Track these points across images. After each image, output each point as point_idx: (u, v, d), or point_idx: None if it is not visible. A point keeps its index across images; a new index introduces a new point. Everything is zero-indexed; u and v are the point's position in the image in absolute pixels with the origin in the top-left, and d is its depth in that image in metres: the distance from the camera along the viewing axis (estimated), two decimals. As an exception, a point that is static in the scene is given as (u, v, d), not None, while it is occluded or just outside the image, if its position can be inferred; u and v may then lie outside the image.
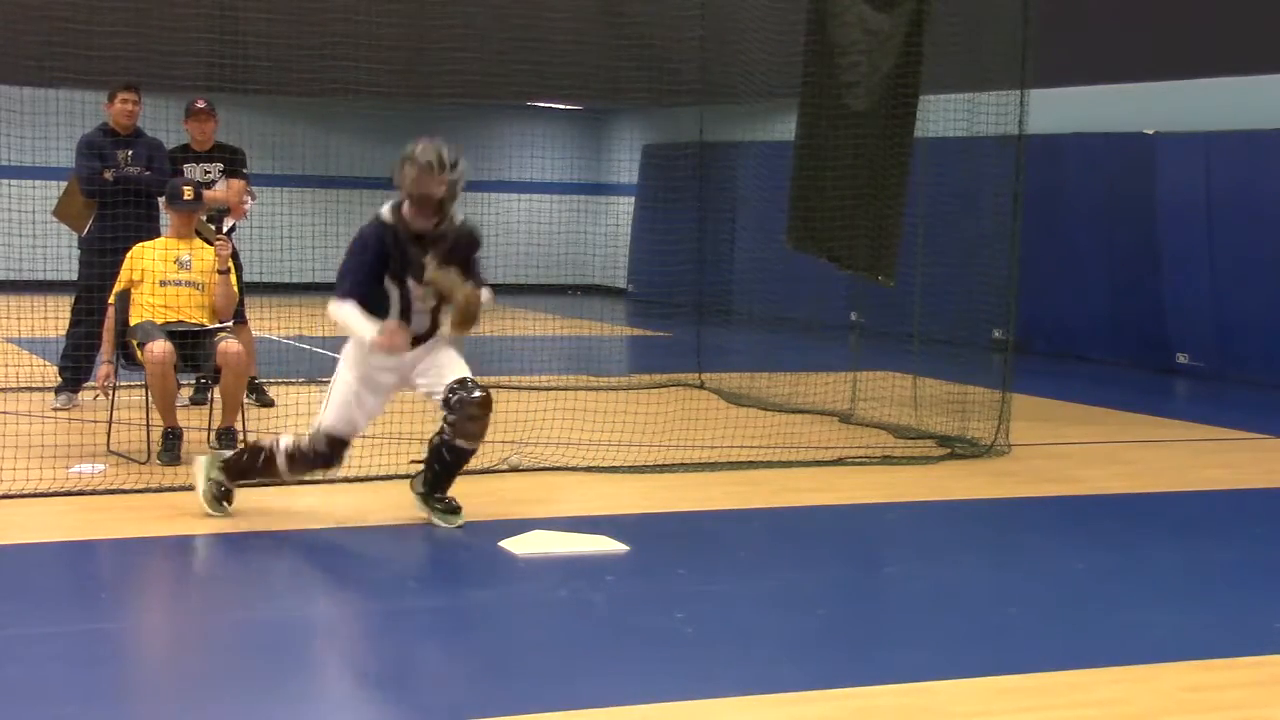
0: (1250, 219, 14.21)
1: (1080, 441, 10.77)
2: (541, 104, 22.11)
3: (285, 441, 7.41)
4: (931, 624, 6.26)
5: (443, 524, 7.44)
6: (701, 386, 12.48)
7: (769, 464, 9.36)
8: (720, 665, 5.57)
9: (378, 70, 14.73)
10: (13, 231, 11.44)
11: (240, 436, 8.88)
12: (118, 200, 10.03)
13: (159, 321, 8.83)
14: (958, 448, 9.98)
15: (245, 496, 8.08)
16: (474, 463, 8.29)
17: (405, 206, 7.11)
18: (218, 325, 9.00)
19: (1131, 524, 8.38)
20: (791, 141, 11.46)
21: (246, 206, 10.72)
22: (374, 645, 5.81)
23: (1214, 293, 14.53)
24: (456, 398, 7.24)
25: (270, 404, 10.79)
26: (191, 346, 8.79)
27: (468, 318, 7.12)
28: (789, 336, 14.33)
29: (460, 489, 8.16)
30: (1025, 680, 5.50)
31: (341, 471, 8.49)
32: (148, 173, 10.19)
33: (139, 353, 8.67)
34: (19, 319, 11.21)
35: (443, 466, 7.43)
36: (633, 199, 22.80)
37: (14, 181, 11.38)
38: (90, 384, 10.19)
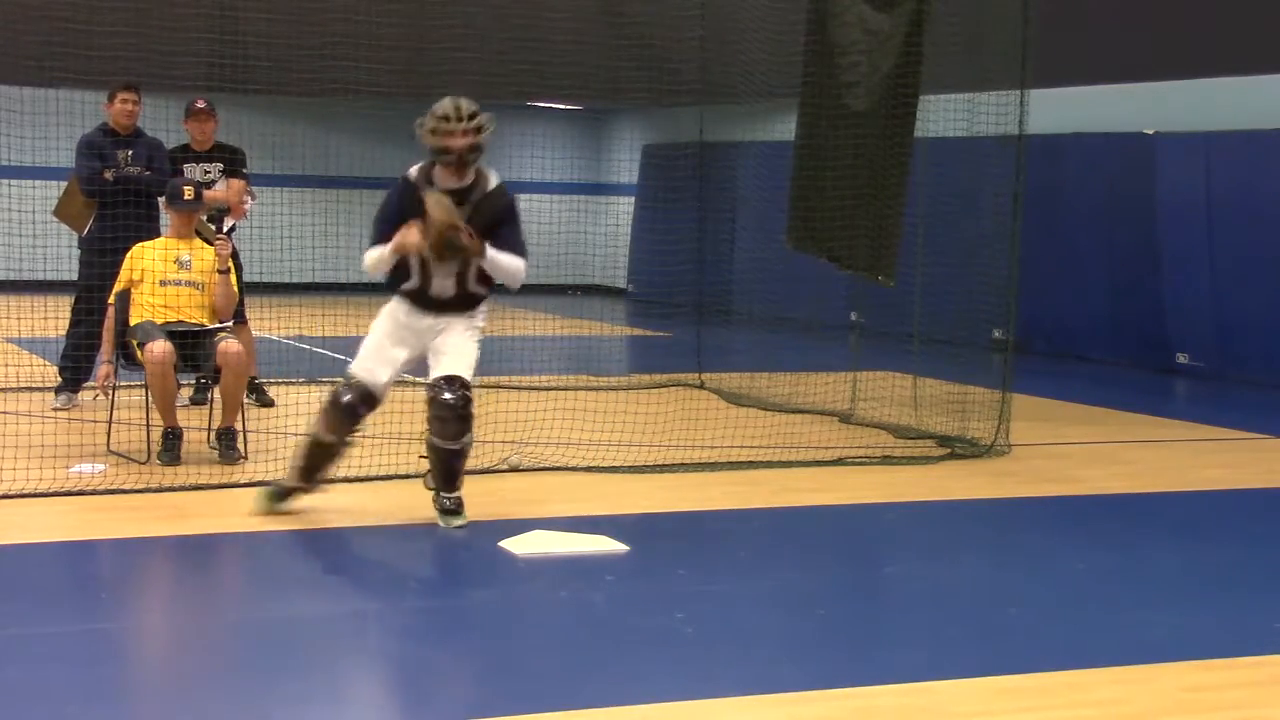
0: (1250, 219, 14.21)
1: (1080, 441, 10.77)
2: (541, 104, 22.11)
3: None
4: (931, 624, 6.26)
5: (441, 524, 7.44)
6: (701, 386, 12.48)
7: (769, 464, 9.36)
8: (720, 665, 5.57)
9: (378, 70, 14.73)
10: (13, 231, 11.44)
11: (240, 436, 8.88)
12: (118, 200, 10.03)
13: (159, 321, 8.83)
14: (958, 448, 9.98)
15: (245, 497, 8.09)
16: (474, 463, 8.32)
17: (435, 167, 7.16)
18: (218, 325, 9.00)
19: (1131, 524, 8.38)
20: (791, 141, 11.46)
21: (247, 206, 10.72)
22: (374, 645, 5.81)
23: (1214, 293, 14.53)
24: (432, 395, 7.28)
25: (270, 404, 10.79)
26: (191, 346, 8.80)
27: (443, 243, 6.99)
28: (789, 336, 14.33)
29: (461, 489, 8.18)
30: (1025, 680, 5.50)
31: (341, 471, 8.52)
32: (148, 172, 10.19)
33: (139, 353, 8.67)
34: (19, 319, 11.22)
35: (431, 461, 7.45)
36: (633, 199, 22.80)
37: (14, 181, 11.39)
38: (90, 384, 10.19)
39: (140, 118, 10.51)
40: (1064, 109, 15.37)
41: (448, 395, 7.21)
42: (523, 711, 4.97)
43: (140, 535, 7.30)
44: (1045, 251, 15.16)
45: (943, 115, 11.16)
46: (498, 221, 7.21)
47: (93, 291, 9.86)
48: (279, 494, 7.62)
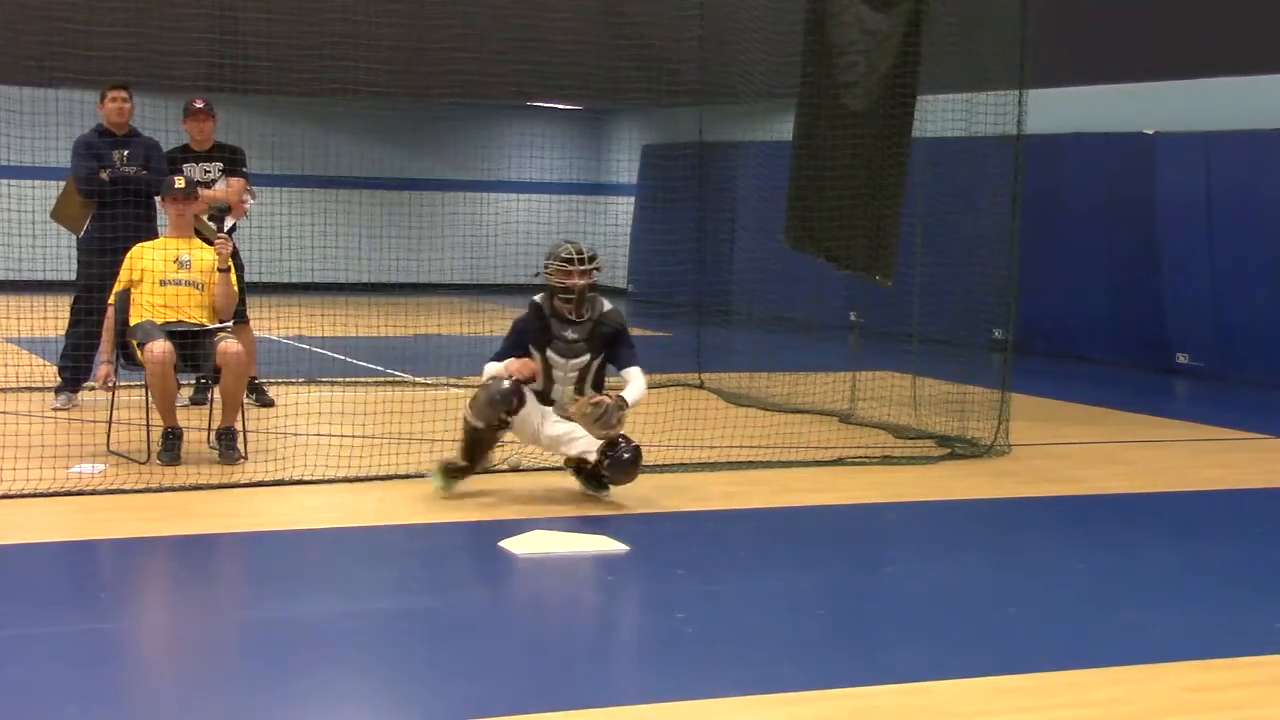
0: (1250, 219, 14.21)
1: (1080, 441, 10.77)
2: (541, 104, 22.12)
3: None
4: (931, 624, 6.26)
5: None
6: (701, 386, 12.48)
7: (769, 464, 9.36)
8: (720, 665, 5.57)
9: (377, 70, 14.74)
10: (12, 231, 11.44)
11: (240, 436, 8.88)
12: (115, 200, 10.02)
13: (159, 321, 8.82)
14: (957, 448, 9.98)
15: (245, 497, 8.10)
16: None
17: (554, 298, 8.07)
18: (218, 325, 8.99)
19: (1131, 524, 8.38)
20: (790, 141, 11.46)
21: (247, 205, 10.72)
22: (374, 645, 5.81)
23: (1214, 293, 14.53)
24: (610, 457, 7.99)
25: (270, 404, 10.79)
26: (191, 346, 8.79)
27: (595, 427, 7.86)
28: (788, 336, 14.32)
29: (461, 488, 8.19)
30: (1025, 680, 5.50)
31: (341, 471, 8.53)
32: (144, 172, 10.18)
33: (139, 353, 8.67)
34: (19, 319, 11.21)
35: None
36: (632, 199, 22.80)
37: (14, 181, 11.38)
38: (90, 384, 10.19)
39: (137, 117, 10.50)
40: (1063, 109, 15.36)
41: (626, 454, 7.94)
42: (522, 711, 4.97)
43: (140, 535, 7.30)
44: (1045, 251, 15.16)
45: (941, 115, 11.15)
46: (616, 342, 8.17)
47: (92, 291, 9.86)
48: (450, 472, 8.12)
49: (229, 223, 10.46)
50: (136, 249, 9.11)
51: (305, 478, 8.42)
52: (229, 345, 8.66)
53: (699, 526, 7.92)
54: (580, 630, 6.14)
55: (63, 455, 8.64)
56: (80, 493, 7.89)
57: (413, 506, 7.84)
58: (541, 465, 8.89)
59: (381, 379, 12.63)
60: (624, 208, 22.77)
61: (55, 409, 10.38)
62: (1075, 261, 15.76)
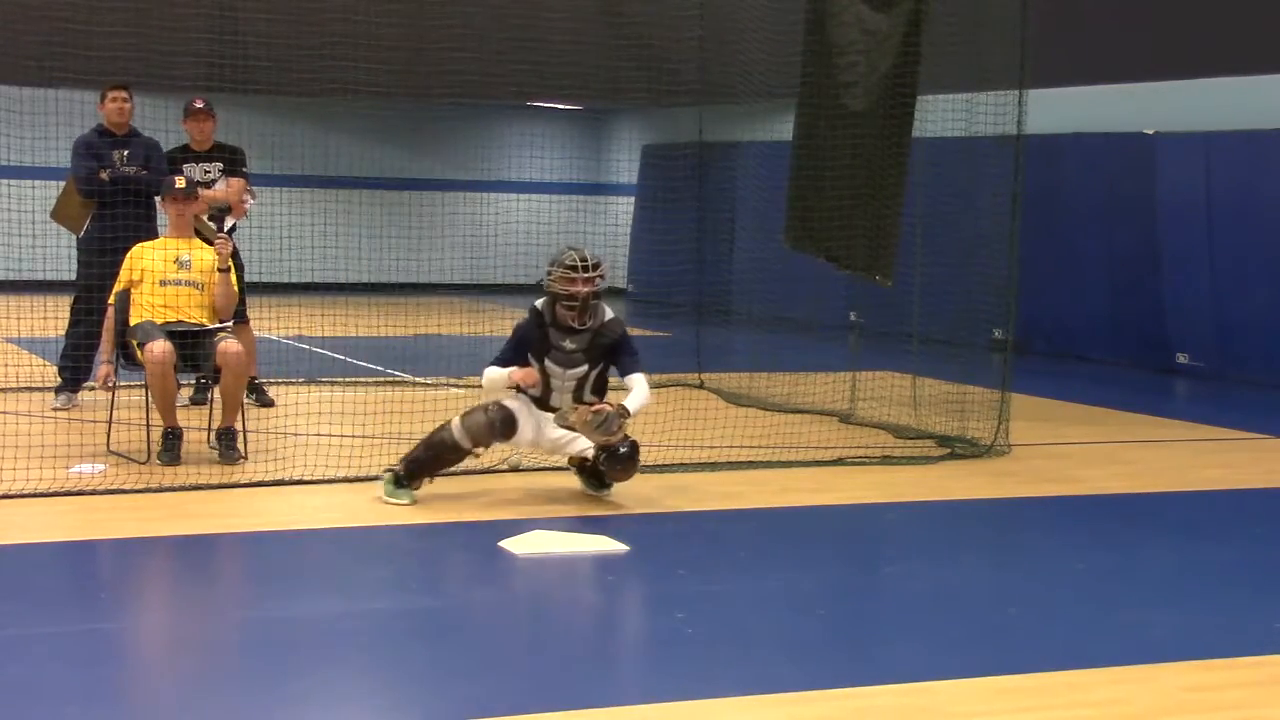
0: (1250, 219, 14.20)
1: (1080, 441, 10.77)
2: (541, 104, 22.11)
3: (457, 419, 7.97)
4: (931, 624, 6.26)
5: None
6: (701, 386, 12.48)
7: (769, 464, 9.36)
8: (720, 665, 5.57)
9: (377, 70, 14.74)
10: (12, 231, 11.43)
11: (240, 436, 8.88)
12: (115, 200, 10.02)
13: (159, 321, 8.82)
14: (957, 448, 9.98)
15: (245, 497, 8.10)
16: (474, 463, 8.33)
17: (556, 305, 8.01)
18: (218, 325, 8.99)
19: (1131, 524, 8.38)
20: (790, 141, 11.46)
21: (247, 205, 10.72)
22: (374, 645, 5.81)
23: (1214, 293, 14.53)
24: (608, 455, 7.95)
25: (270, 404, 10.79)
26: (191, 346, 8.79)
27: (595, 434, 7.81)
28: (788, 336, 14.32)
29: (461, 488, 8.19)
30: (1025, 680, 5.50)
31: (341, 471, 8.53)
32: (144, 172, 10.18)
33: (139, 353, 8.67)
34: (19, 319, 11.21)
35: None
36: (632, 199, 22.79)
37: (14, 181, 11.38)
38: (90, 384, 10.19)
39: (138, 118, 10.50)
40: (1063, 109, 15.36)
41: (624, 449, 7.87)
42: (522, 711, 4.98)
43: (140, 535, 7.30)
44: (1045, 251, 15.15)
45: (941, 115, 11.15)
46: (617, 350, 8.11)
47: (92, 291, 9.85)
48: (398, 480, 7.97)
49: (229, 223, 10.46)
50: (136, 249, 9.11)
51: (305, 478, 8.42)
52: (229, 345, 8.66)
53: (699, 526, 7.92)
54: (580, 630, 6.14)
55: (63, 455, 8.64)
56: (80, 493, 7.89)
57: (413, 507, 7.84)
58: (541, 465, 8.89)
59: (381, 379, 12.63)
60: (624, 208, 22.77)
61: (55, 409, 10.38)
62: (1075, 261, 15.76)
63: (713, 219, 15.73)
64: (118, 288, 9.02)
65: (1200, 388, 14.31)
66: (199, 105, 10.71)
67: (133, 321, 8.89)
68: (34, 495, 7.79)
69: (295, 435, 9.63)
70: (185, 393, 10.05)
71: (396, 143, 22.22)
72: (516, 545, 7.11)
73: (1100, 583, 7.00)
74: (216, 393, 9.19)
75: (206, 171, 10.59)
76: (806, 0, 11.07)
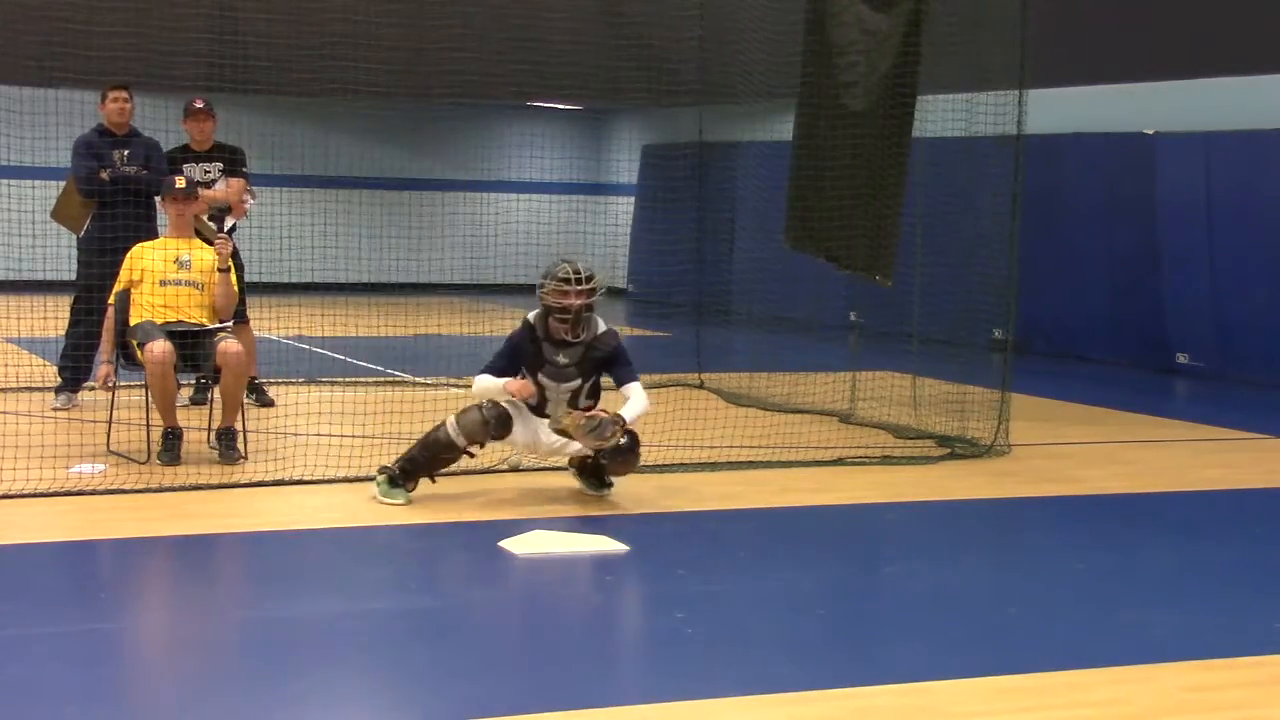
0: (1250, 219, 14.20)
1: (1080, 441, 10.77)
2: (541, 104, 22.11)
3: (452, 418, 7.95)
4: (931, 624, 6.26)
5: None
6: (701, 386, 12.48)
7: (769, 464, 9.36)
8: (720, 665, 5.57)
9: (377, 70, 14.74)
10: (12, 231, 11.44)
11: (240, 437, 8.88)
12: (115, 200, 10.02)
13: (159, 321, 8.82)
14: (957, 448, 9.98)
15: (245, 497, 8.10)
16: (474, 463, 8.33)
17: (550, 317, 7.92)
18: (218, 325, 8.99)
19: (1131, 524, 8.38)
20: (790, 141, 11.46)
21: (247, 205, 10.72)
22: (374, 645, 5.81)
23: (1214, 293, 14.53)
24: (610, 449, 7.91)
25: (270, 404, 10.79)
26: (191, 346, 8.79)
27: (589, 439, 7.77)
28: (788, 336, 14.32)
29: (461, 489, 8.19)
30: (1025, 680, 5.50)
31: (342, 471, 8.53)
32: (144, 172, 10.18)
33: (139, 353, 8.67)
34: (19, 319, 11.21)
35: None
36: (632, 199, 22.79)
37: (14, 181, 11.38)
38: (90, 384, 10.19)
39: (138, 118, 10.50)
40: (1063, 109, 15.36)
41: (624, 442, 7.83)
42: (522, 711, 4.97)
43: (140, 535, 7.30)
44: (1045, 251, 15.15)
45: (941, 115, 11.15)
46: (612, 362, 8.06)
47: (92, 291, 9.86)
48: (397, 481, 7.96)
49: (229, 223, 10.47)
50: (136, 249, 9.11)
51: (305, 478, 8.42)
52: (229, 345, 8.66)
53: (699, 526, 7.92)
54: (580, 630, 6.14)
55: (63, 455, 8.64)
56: (80, 493, 7.89)
57: (413, 507, 7.84)
58: (541, 465, 8.89)
59: (381, 379, 12.63)
60: (624, 208, 22.77)
61: (55, 409, 10.38)
62: (1075, 261, 15.76)
63: (713, 219, 15.73)
64: (118, 288, 9.02)
65: (1200, 388, 14.31)
66: (199, 105, 10.71)
67: (133, 321, 8.89)
68: (34, 495, 7.79)
69: (295, 435, 9.63)
70: (185, 393, 10.05)
71: (396, 143, 22.22)
72: (516, 545, 7.11)
73: (1100, 583, 7.00)
74: (216, 393, 9.19)
75: (206, 171, 10.59)
76: (806, 0, 11.08)
